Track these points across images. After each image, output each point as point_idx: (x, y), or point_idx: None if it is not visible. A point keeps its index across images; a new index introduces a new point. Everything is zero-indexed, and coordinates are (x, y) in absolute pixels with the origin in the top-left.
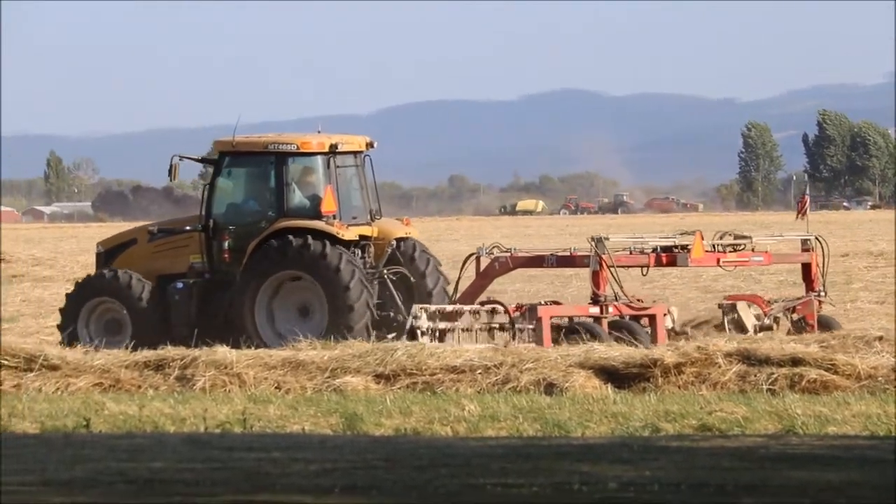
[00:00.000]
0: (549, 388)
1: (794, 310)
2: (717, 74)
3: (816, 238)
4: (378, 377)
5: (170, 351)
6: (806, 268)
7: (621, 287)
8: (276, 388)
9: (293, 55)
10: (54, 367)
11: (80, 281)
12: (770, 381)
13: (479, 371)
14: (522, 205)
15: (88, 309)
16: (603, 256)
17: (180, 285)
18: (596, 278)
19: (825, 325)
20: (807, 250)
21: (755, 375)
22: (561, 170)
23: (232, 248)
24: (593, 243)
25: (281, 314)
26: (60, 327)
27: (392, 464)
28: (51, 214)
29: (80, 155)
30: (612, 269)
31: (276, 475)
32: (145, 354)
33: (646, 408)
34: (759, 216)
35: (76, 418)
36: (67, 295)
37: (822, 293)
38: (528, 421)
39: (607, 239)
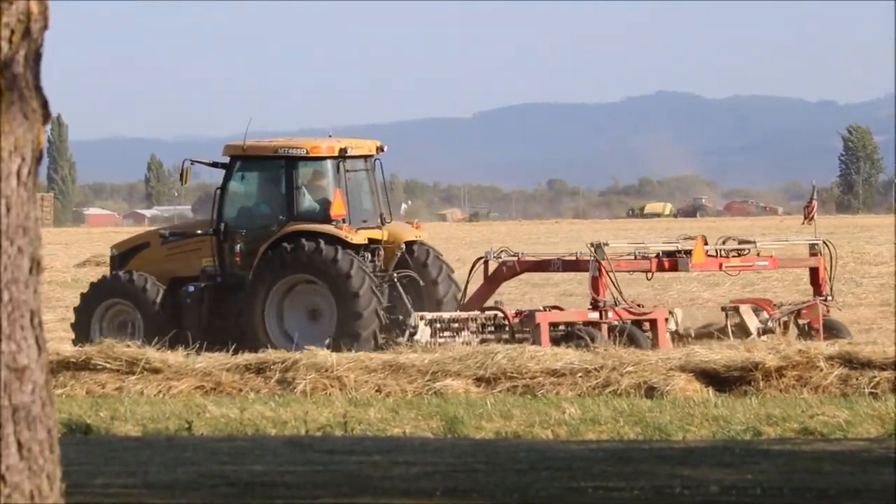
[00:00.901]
0: (650, 392)
1: (799, 314)
2: (815, 77)
3: (824, 242)
4: (478, 380)
5: (271, 354)
6: (813, 272)
7: (620, 292)
8: (376, 391)
9: (393, 56)
10: (156, 370)
11: (94, 282)
12: (872, 384)
13: (580, 374)
14: (651, 207)
15: (102, 310)
16: (602, 262)
17: (191, 288)
18: (595, 284)
19: (832, 329)
20: (815, 255)
21: (857, 379)
22: (659, 172)
23: (243, 252)
24: (592, 249)
25: (291, 317)
26: (74, 327)
27: (493, 467)
28: (151, 217)
29: (179, 158)
30: (611, 275)
31: (377, 478)
32: (246, 357)
33: (747, 411)
34: (859, 219)
35: (178, 421)
36: (82, 295)
37: (830, 298)
38: (629, 424)
39: (607, 245)
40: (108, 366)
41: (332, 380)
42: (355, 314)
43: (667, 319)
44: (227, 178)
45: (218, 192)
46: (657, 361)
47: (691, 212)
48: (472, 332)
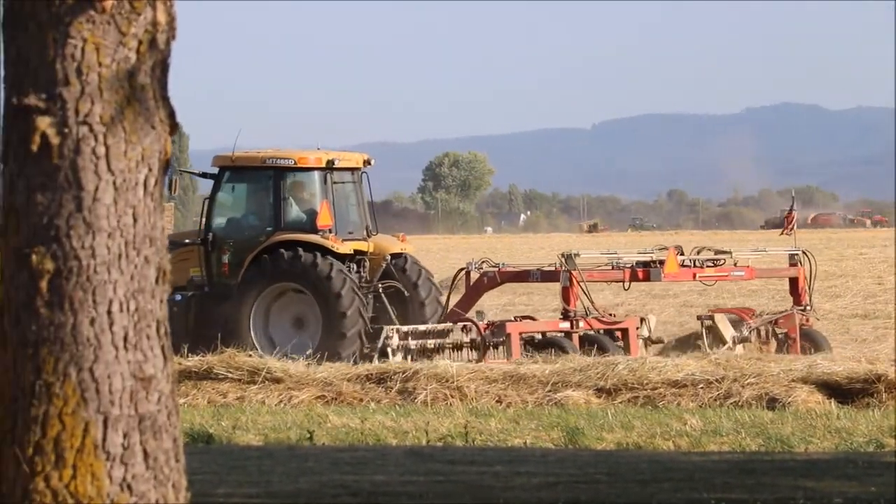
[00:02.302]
0: (772, 403)
1: (776, 323)
2: None
3: (804, 252)
4: (599, 391)
5: (391, 364)
6: (793, 282)
7: (592, 302)
8: (497, 401)
9: (513, 67)
10: (277, 380)
11: None
12: None
13: (701, 386)
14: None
15: None
16: (573, 272)
17: (178, 297)
18: (566, 294)
19: (810, 339)
20: (794, 265)
21: None
22: (779, 183)
23: (230, 262)
24: (563, 259)
25: (277, 326)
26: None
27: (615, 478)
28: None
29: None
30: (582, 285)
31: (499, 488)
32: (367, 367)
33: (869, 423)
34: None
35: (299, 431)
36: None
37: (809, 308)
38: (751, 436)
39: (577, 255)
40: (229, 375)
41: (453, 390)
42: (339, 314)
43: (638, 327)
44: (215, 189)
45: (206, 202)
46: (779, 373)
47: (779, 223)
48: (448, 345)
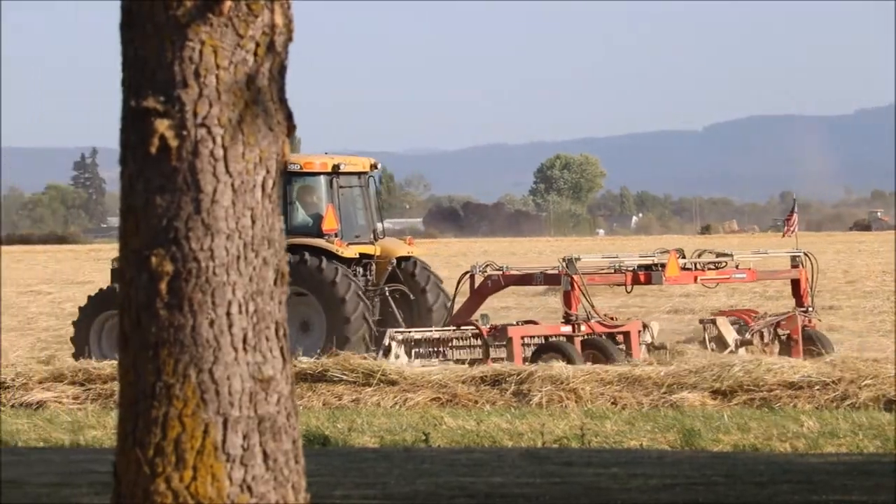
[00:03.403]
0: (889, 405)
1: (778, 325)
2: None
3: (806, 254)
4: (715, 393)
5: (506, 366)
6: (795, 284)
7: (593, 306)
8: (612, 403)
9: (624, 69)
10: (392, 382)
11: (92, 295)
12: None
13: (817, 387)
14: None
15: (100, 322)
16: (574, 276)
17: None
18: (567, 298)
19: (813, 341)
20: (796, 266)
21: None
22: (892, 184)
23: None
24: (564, 263)
25: None
26: (73, 340)
27: (732, 480)
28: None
29: (411, 171)
30: (583, 289)
31: (616, 490)
32: (482, 369)
33: None
34: None
35: (415, 433)
36: (80, 309)
37: (811, 309)
38: (868, 437)
39: (578, 259)
40: (344, 377)
41: (568, 392)
42: (343, 319)
43: (640, 332)
44: None
45: None
46: None
47: (866, 226)
48: (450, 349)
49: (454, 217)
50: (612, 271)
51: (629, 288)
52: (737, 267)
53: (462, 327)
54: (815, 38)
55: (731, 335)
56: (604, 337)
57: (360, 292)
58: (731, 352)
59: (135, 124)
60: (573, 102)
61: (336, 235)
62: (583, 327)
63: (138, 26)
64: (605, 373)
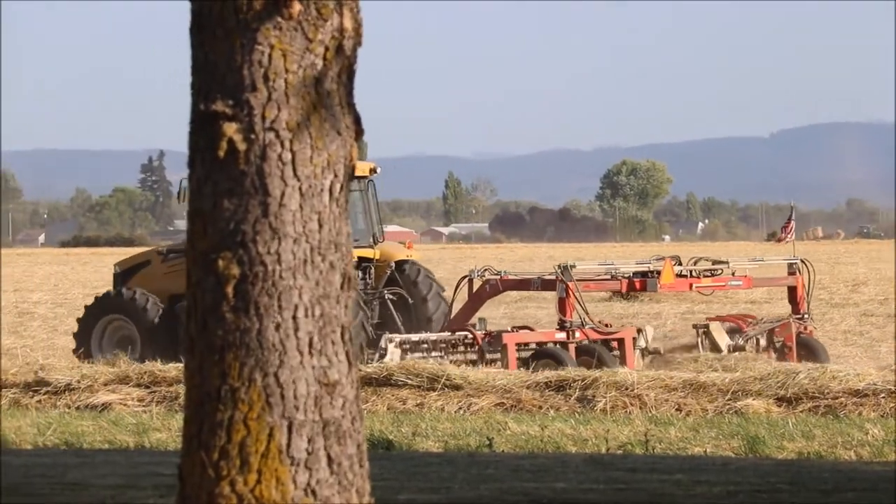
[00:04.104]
0: None
1: (773, 332)
2: None
3: (802, 262)
4: (779, 400)
5: (571, 372)
6: (792, 291)
7: (587, 312)
8: (676, 409)
9: (691, 75)
10: (456, 387)
11: (95, 299)
12: None
13: (882, 395)
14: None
15: (102, 325)
16: (569, 283)
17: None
18: (562, 305)
19: (808, 347)
20: (793, 274)
21: None
22: None
23: None
24: (559, 270)
25: None
26: (76, 343)
27: (796, 487)
28: (449, 235)
29: (477, 176)
30: (578, 295)
31: (680, 497)
32: (547, 375)
33: None
34: None
35: (479, 437)
36: (84, 312)
37: (807, 316)
38: None
39: (573, 266)
40: (409, 382)
41: (633, 398)
42: None
43: (635, 338)
44: None
45: None
46: None
47: None
48: (442, 353)
49: (520, 222)
50: (609, 278)
51: (626, 295)
52: (733, 274)
53: (457, 333)
54: (885, 44)
55: (724, 340)
56: (598, 343)
57: (359, 301)
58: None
59: (203, 128)
60: (640, 108)
61: None
62: (577, 334)
63: (208, 30)
64: (669, 379)
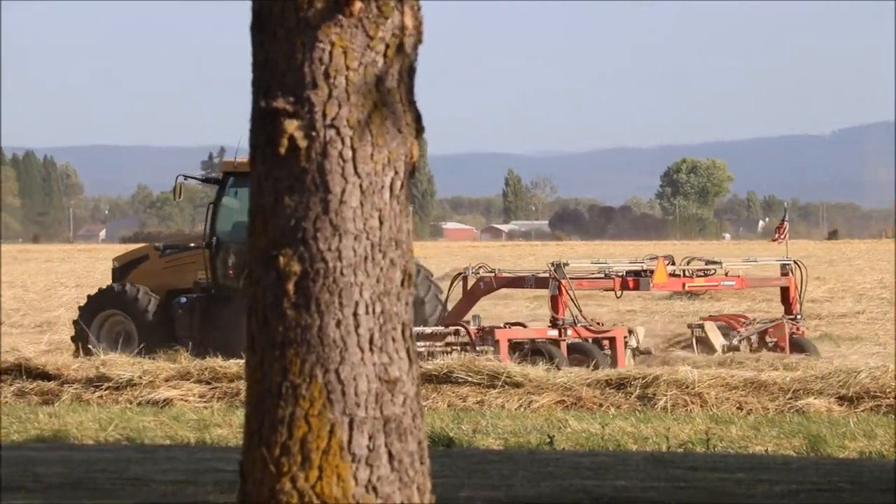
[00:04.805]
0: None
1: (766, 332)
2: None
3: (795, 262)
4: (841, 399)
5: (631, 370)
6: (784, 292)
7: (580, 310)
8: (737, 408)
9: (748, 72)
10: (517, 385)
11: (92, 294)
12: None
13: None
14: None
15: (99, 320)
16: (562, 281)
17: (183, 300)
18: (555, 302)
19: (801, 348)
20: (785, 274)
21: None
22: None
23: (234, 264)
24: (552, 268)
25: None
26: (73, 338)
27: (858, 487)
28: (508, 232)
29: (537, 173)
30: (570, 293)
31: (740, 496)
32: (607, 373)
33: None
34: None
35: (539, 435)
36: (80, 308)
37: (800, 317)
38: None
39: (566, 264)
40: (469, 379)
41: (693, 396)
42: None
43: (626, 337)
44: (219, 193)
45: (211, 206)
46: None
47: None
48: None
49: (580, 220)
50: (603, 276)
51: (618, 293)
52: (726, 274)
53: (450, 327)
54: None
55: (718, 340)
56: (590, 341)
57: None
58: (718, 356)
59: (264, 125)
60: (701, 106)
61: None
62: (569, 331)
63: (268, 28)
64: (730, 378)
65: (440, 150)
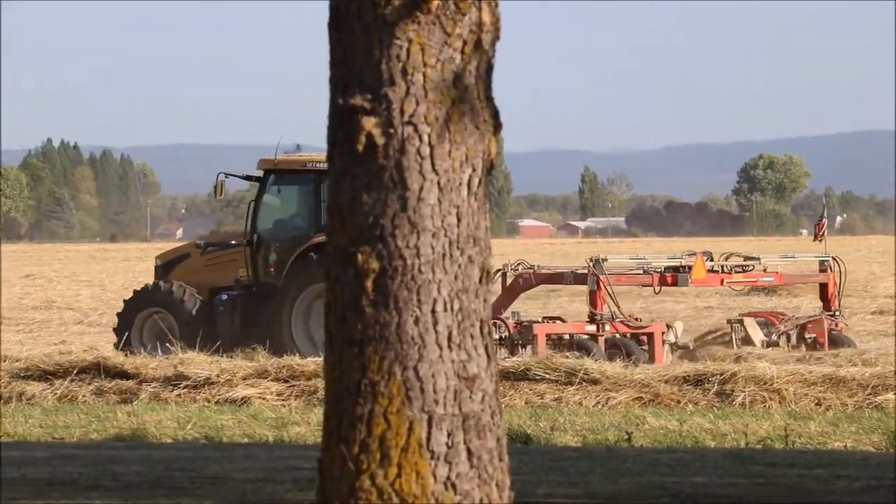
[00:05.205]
0: None
1: (805, 328)
2: None
3: (834, 259)
4: None
5: (709, 366)
6: (823, 288)
7: (618, 306)
8: (816, 404)
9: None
10: (594, 381)
11: (135, 291)
12: None
13: None
14: None
15: (142, 318)
16: (601, 276)
17: (224, 297)
18: (593, 298)
19: (839, 344)
20: (824, 271)
21: None
22: None
23: (275, 262)
24: (591, 264)
25: (316, 325)
26: (116, 334)
27: None
28: (585, 229)
29: (613, 170)
30: (609, 289)
31: (820, 492)
32: (685, 369)
33: None
34: None
35: (617, 432)
36: (124, 303)
37: (839, 313)
38: None
39: (605, 260)
40: (546, 376)
41: (772, 392)
42: None
43: (664, 333)
44: (260, 191)
45: (252, 204)
46: None
47: None
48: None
49: (656, 216)
50: (641, 272)
51: (657, 289)
52: (764, 270)
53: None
54: None
55: (757, 336)
56: (628, 337)
57: None
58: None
59: (342, 122)
60: (776, 102)
61: None
62: (607, 327)
63: (346, 25)
64: (808, 374)
65: (515, 147)
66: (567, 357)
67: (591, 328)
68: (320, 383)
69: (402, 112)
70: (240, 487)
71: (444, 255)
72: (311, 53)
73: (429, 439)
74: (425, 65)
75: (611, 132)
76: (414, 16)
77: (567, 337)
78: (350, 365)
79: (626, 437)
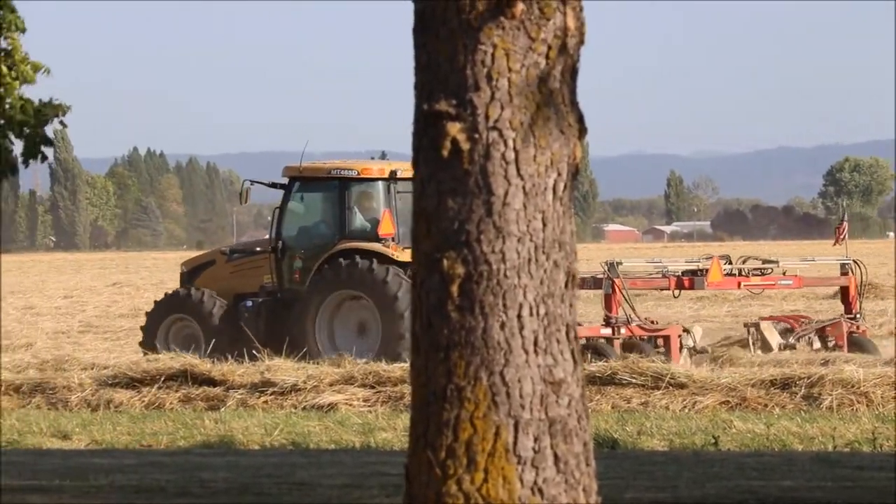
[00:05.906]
0: None
1: (824, 331)
2: None
3: (855, 262)
4: None
5: (796, 370)
6: (844, 291)
7: (633, 309)
8: None
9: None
10: (681, 386)
11: (161, 298)
12: None
13: None
14: None
15: (167, 324)
16: (615, 280)
17: (249, 303)
18: (608, 301)
19: (860, 347)
20: (845, 274)
21: None
22: None
23: (300, 268)
24: (606, 267)
25: (340, 331)
26: (142, 341)
27: None
28: (671, 233)
29: (698, 173)
30: (624, 292)
31: None
32: (772, 373)
33: None
34: None
35: (704, 436)
36: (149, 311)
37: (859, 316)
38: None
39: (620, 264)
40: (633, 381)
41: (859, 396)
42: (398, 335)
43: (680, 336)
44: (285, 198)
45: (277, 211)
46: None
47: None
48: None
49: (742, 220)
50: (661, 275)
51: (676, 293)
52: (784, 274)
53: None
54: None
55: (774, 339)
56: (644, 340)
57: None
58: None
59: (427, 128)
60: (861, 105)
61: (392, 240)
62: (622, 330)
63: (431, 30)
64: None
65: (600, 151)
66: (653, 361)
67: (607, 331)
68: (406, 389)
69: (486, 117)
70: (327, 493)
71: (529, 259)
72: (397, 63)
73: (515, 444)
74: (510, 70)
75: (696, 137)
76: (498, 21)
77: (583, 341)
78: (436, 370)
79: (713, 441)
